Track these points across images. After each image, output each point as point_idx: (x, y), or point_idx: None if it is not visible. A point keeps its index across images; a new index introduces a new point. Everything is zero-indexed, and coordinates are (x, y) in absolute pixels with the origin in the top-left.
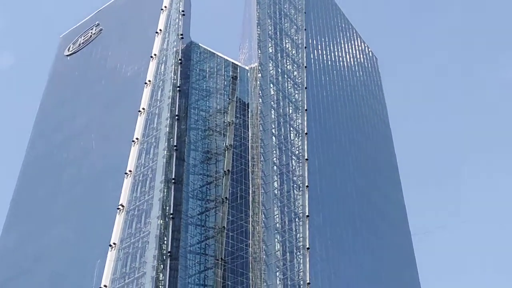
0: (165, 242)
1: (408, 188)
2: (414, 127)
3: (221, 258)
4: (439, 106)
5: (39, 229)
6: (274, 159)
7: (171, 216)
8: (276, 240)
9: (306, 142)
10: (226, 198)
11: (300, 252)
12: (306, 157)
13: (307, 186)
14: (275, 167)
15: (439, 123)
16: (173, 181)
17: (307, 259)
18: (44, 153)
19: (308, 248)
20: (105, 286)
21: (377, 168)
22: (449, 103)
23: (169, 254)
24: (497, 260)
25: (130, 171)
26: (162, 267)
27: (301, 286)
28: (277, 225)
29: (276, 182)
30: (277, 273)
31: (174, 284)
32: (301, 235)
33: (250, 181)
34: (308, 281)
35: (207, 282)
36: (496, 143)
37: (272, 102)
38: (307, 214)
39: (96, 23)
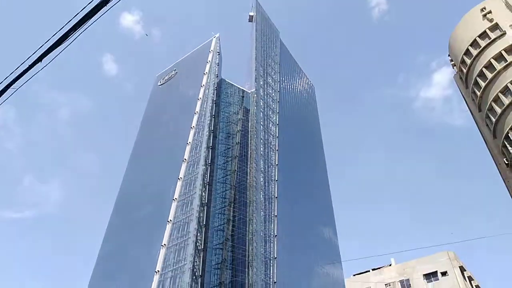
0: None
1: None
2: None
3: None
4: None
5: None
6: (261, 136)
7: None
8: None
9: (277, 129)
10: (237, 155)
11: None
12: (277, 135)
13: (277, 150)
14: (261, 140)
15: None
16: (211, 147)
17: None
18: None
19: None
20: None
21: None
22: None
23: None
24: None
25: (189, 142)
26: None
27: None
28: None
29: (261, 147)
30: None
31: None
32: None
33: (249, 147)
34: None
35: None
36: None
37: (261, 109)
38: (276, 163)
39: (174, 69)
